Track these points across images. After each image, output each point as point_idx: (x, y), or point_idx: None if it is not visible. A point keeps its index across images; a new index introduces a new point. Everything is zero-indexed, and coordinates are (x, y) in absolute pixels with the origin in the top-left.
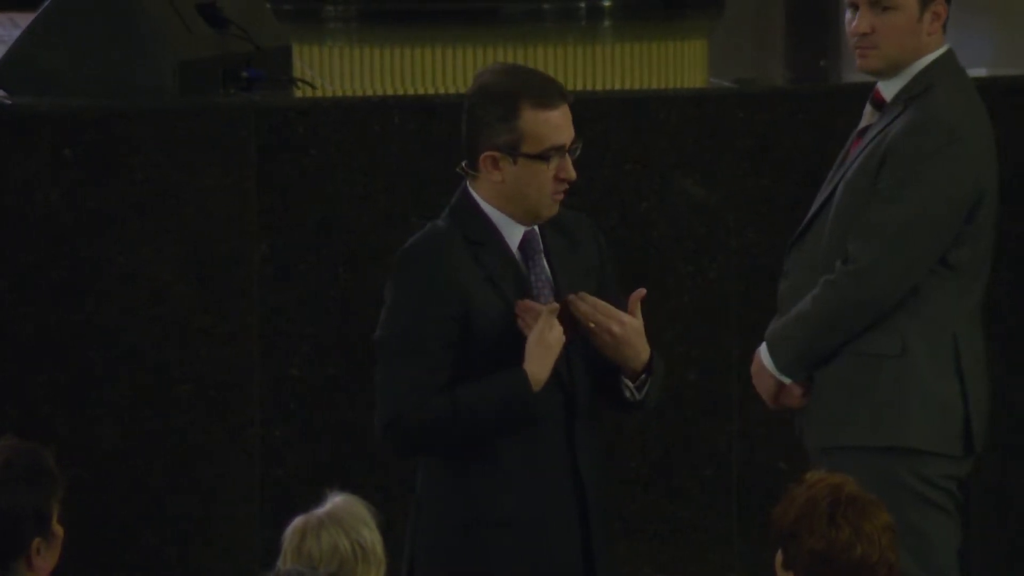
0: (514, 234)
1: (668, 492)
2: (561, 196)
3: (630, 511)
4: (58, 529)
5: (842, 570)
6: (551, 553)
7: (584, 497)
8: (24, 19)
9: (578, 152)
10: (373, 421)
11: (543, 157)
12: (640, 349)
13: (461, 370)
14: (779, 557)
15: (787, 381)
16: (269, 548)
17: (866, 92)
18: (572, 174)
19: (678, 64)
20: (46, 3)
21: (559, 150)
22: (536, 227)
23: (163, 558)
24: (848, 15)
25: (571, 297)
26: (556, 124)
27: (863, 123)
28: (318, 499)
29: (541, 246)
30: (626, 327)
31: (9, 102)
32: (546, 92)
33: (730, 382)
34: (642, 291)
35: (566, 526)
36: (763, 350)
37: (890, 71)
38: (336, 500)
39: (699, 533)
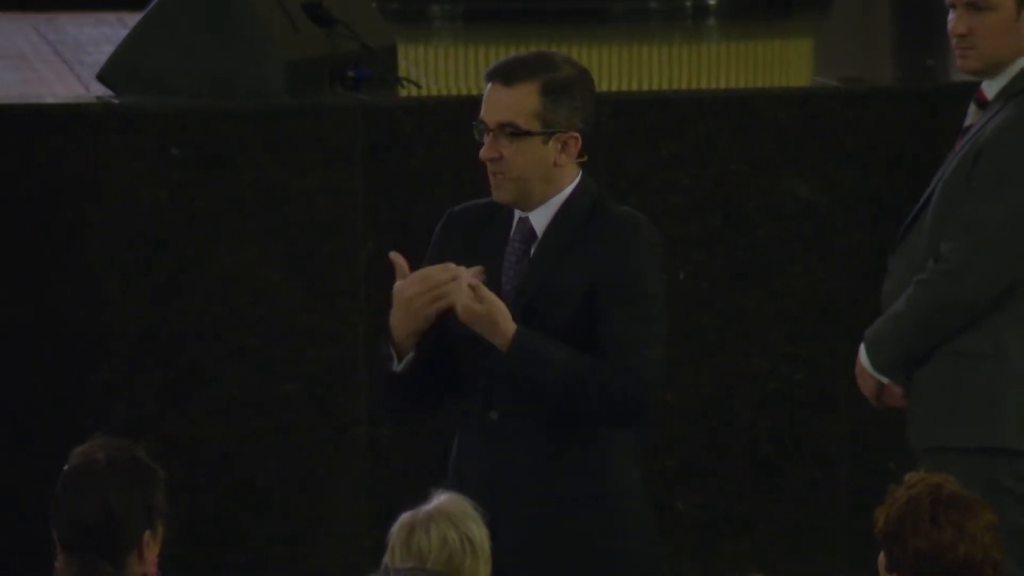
0: (520, 217)
1: (775, 492)
2: (492, 178)
3: (737, 511)
4: (160, 521)
5: (947, 570)
6: None
7: (493, 499)
8: (132, 19)
9: (481, 132)
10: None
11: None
12: (488, 332)
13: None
14: (882, 559)
15: (886, 381)
16: (376, 545)
17: (973, 91)
18: (483, 154)
19: (784, 63)
20: (154, 3)
21: (480, 124)
22: (535, 216)
23: (271, 556)
24: (950, 15)
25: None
26: (485, 100)
27: (967, 122)
28: (425, 497)
29: (534, 236)
30: (467, 311)
31: (117, 101)
32: (489, 70)
33: (837, 382)
34: (478, 269)
35: None
36: (862, 350)
37: (990, 71)
38: (442, 497)
39: (807, 534)
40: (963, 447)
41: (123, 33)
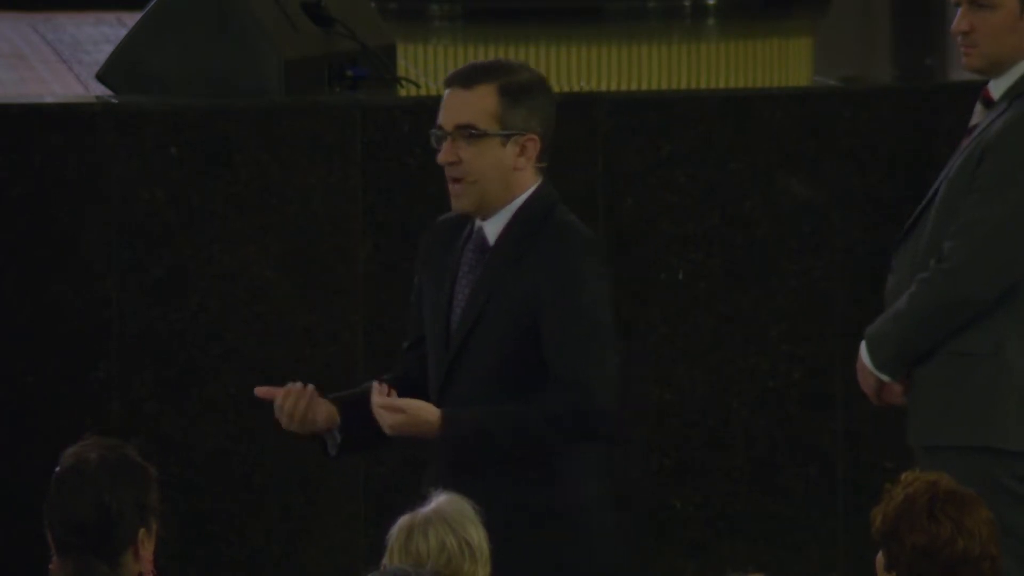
0: (477, 226)
1: (773, 491)
2: (451, 186)
3: (734, 509)
4: (154, 520)
5: (945, 565)
6: None
7: None
8: (131, 19)
9: (439, 139)
10: None
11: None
12: (421, 433)
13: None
14: (880, 559)
15: (886, 379)
16: (373, 546)
17: (972, 90)
18: (440, 158)
19: (783, 62)
20: (152, 3)
21: (438, 130)
22: (489, 224)
23: (268, 556)
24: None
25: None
26: (443, 106)
27: (973, 121)
28: (422, 498)
29: (487, 244)
30: (393, 428)
31: (115, 101)
32: (447, 77)
33: (835, 381)
34: (384, 390)
35: None
36: (863, 347)
37: (993, 69)
38: (441, 499)
39: (804, 532)
40: (962, 446)
41: (122, 33)
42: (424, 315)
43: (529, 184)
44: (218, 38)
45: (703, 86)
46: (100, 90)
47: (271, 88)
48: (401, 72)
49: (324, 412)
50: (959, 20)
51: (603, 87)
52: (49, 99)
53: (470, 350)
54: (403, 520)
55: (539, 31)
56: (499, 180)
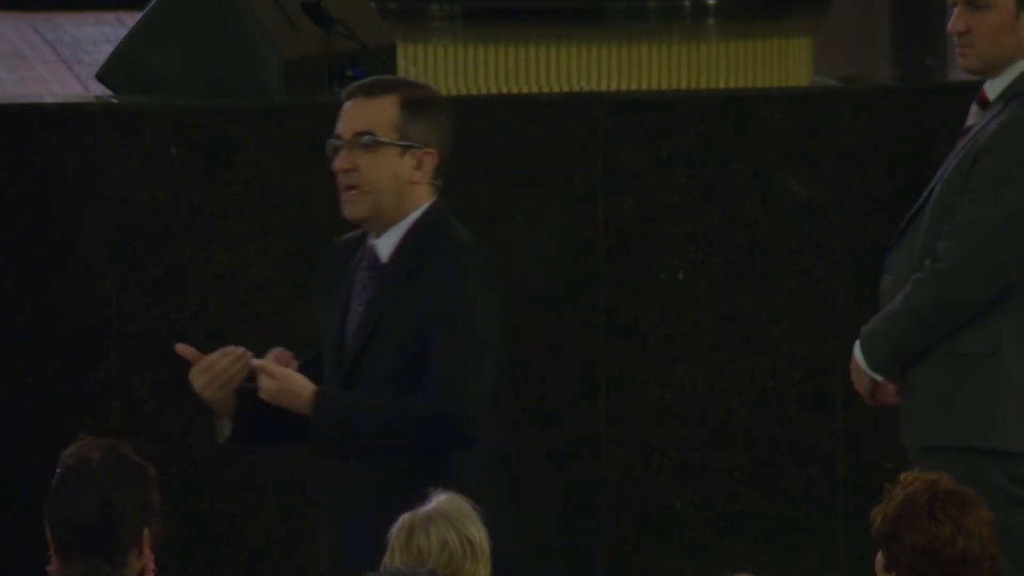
0: (370, 243)
1: (773, 491)
2: (344, 194)
3: (734, 509)
4: (155, 519)
5: (945, 565)
6: None
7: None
8: (131, 18)
9: (335, 149)
10: None
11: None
12: (292, 405)
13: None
14: (880, 559)
15: (880, 379)
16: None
17: (972, 90)
18: (336, 165)
19: (783, 62)
20: (152, 2)
21: (336, 140)
22: (382, 241)
23: (268, 556)
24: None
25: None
26: (342, 115)
27: (968, 122)
28: (423, 498)
29: (380, 262)
30: (266, 392)
31: (115, 101)
32: (348, 87)
33: (835, 381)
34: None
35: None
36: (857, 347)
37: (990, 70)
38: (441, 498)
39: (804, 532)
40: (957, 447)
41: (122, 33)
42: (320, 334)
43: (424, 200)
44: (218, 38)
45: (703, 86)
46: (100, 90)
47: (271, 88)
48: (401, 72)
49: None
50: (955, 20)
51: (603, 87)
52: (49, 99)
53: (363, 368)
54: (404, 519)
55: (539, 31)
56: (394, 191)
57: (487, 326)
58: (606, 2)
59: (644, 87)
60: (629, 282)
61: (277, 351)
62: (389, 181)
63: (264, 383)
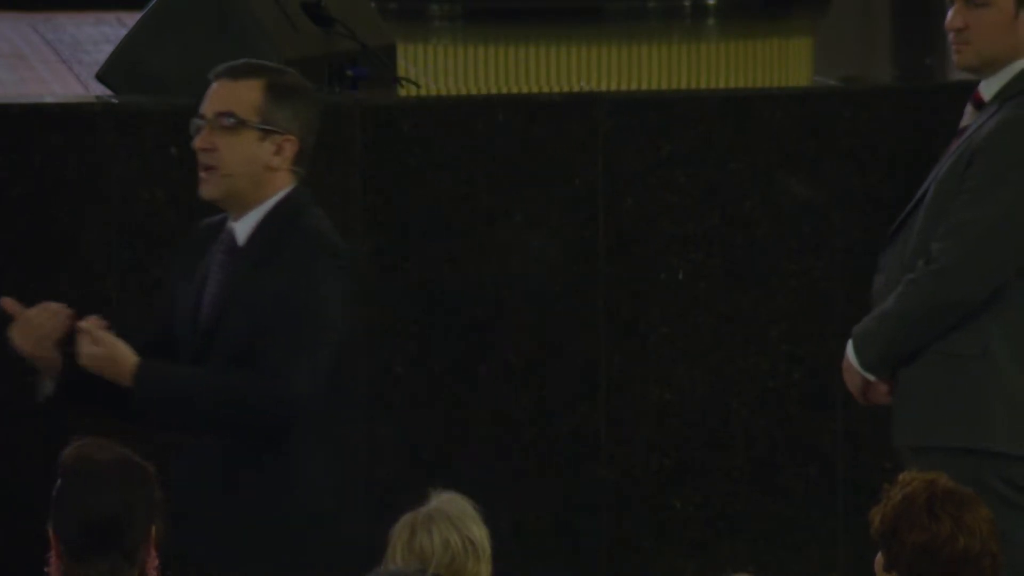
0: (229, 227)
1: (772, 491)
2: (202, 174)
3: (734, 509)
4: (159, 517)
5: (945, 563)
6: None
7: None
8: (131, 18)
9: (198, 128)
10: (454, 416)
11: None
12: (114, 373)
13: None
14: (879, 560)
15: (872, 378)
16: (373, 545)
17: (971, 90)
18: (197, 143)
19: (783, 62)
20: (152, 2)
21: (199, 119)
22: (240, 225)
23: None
24: (949, 13)
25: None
26: (208, 95)
27: (963, 123)
28: (422, 497)
29: (236, 245)
30: (88, 357)
31: (115, 101)
32: (216, 69)
33: (834, 381)
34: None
35: None
36: (850, 346)
37: (986, 68)
38: (442, 497)
39: (803, 532)
40: (950, 447)
41: (122, 33)
42: (176, 316)
43: (283, 186)
44: (218, 38)
45: (703, 86)
46: (100, 90)
47: None
48: (401, 72)
49: (53, 349)
50: (953, 16)
51: (603, 87)
52: (49, 99)
53: (214, 348)
54: (405, 518)
55: (539, 32)
56: (251, 176)
57: (330, 313)
58: (606, 2)
59: (644, 87)
60: (629, 282)
61: (92, 319)
62: (247, 165)
63: (86, 348)
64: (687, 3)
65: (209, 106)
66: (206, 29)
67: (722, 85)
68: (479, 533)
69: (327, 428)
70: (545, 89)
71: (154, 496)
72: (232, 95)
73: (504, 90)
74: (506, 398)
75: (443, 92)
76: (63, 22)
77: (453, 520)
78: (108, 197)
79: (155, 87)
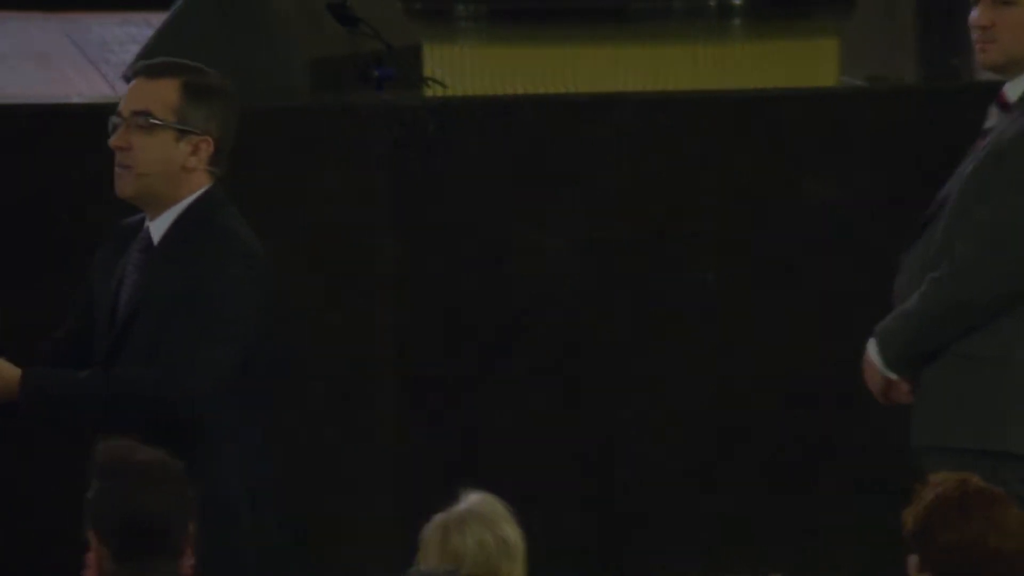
0: (146, 225)
1: (801, 493)
2: (118, 171)
3: (746, 510)
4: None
5: (978, 562)
6: None
7: None
8: (159, 19)
9: (115, 127)
10: (482, 417)
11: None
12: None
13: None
14: (913, 561)
15: (894, 377)
16: (405, 547)
17: (997, 90)
18: (112, 141)
19: (809, 62)
20: (177, 3)
21: (117, 117)
22: (155, 224)
23: (298, 555)
24: (973, 13)
25: None
26: (126, 94)
27: (987, 124)
28: (453, 498)
29: (150, 243)
30: None
31: None
32: (135, 67)
33: (861, 382)
34: None
35: None
36: (871, 345)
37: (1010, 67)
38: (474, 498)
39: (821, 533)
40: (968, 449)
41: (148, 33)
42: (95, 314)
43: (199, 186)
44: (243, 38)
45: (729, 86)
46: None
47: (297, 88)
48: (427, 72)
49: None
50: (980, 14)
51: (628, 87)
52: (76, 99)
53: (126, 347)
54: (438, 519)
55: (565, 32)
56: (166, 175)
57: (234, 309)
58: (631, 2)
59: (670, 88)
60: (656, 283)
61: None
62: (162, 164)
63: None
64: (712, 3)
65: (126, 104)
66: (231, 30)
67: (748, 85)
68: (512, 533)
69: (236, 424)
70: (572, 89)
71: (190, 495)
72: (149, 94)
73: (530, 91)
74: (534, 399)
75: (469, 93)
76: (90, 22)
77: (486, 520)
78: None
79: None
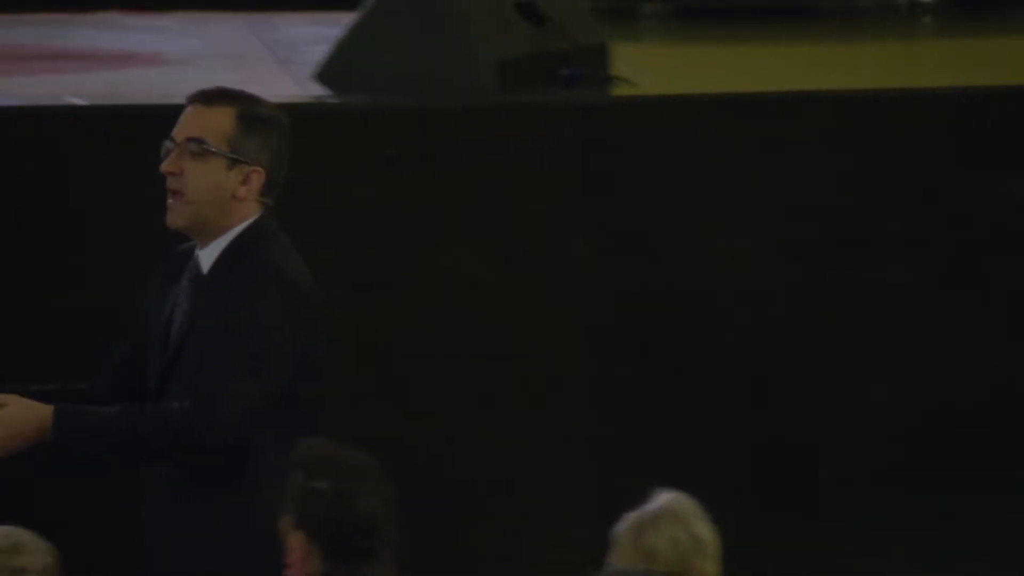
0: (196, 254)
1: (1008, 490)
2: (170, 199)
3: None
4: None
5: None
6: None
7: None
8: (348, 19)
9: (168, 151)
10: (673, 415)
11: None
12: (23, 434)
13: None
14: None
15: None
16: (597, 545)
17: None
18: (164, 166)
19: (1002, 60)
20: (368, 3)
21: (170, 142)
22: (205, 253)
23: (491, 556)
24: None
25: None
26: (180, 119)
27: None
28: (646, 497)
29: (199, 272)
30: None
31: (333, 102)
32: (191, 94)
33: None
34: None
35: None
36: None
37: None
38: (668, 496)
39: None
40: None
41: (337, 33)
42: (149, 342)
43: (249, 216)
44: (433, 38)
45: (920, 85)
46: (317, 91)
47: (486, 88)
48: (616, 71)
49: None
50: None
51: (817, 86)
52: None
53: (175, 378)
54: (631, 517)
55: (753, 30)
56: (216, 204)
57: (272, 341)
58: (820, 0)
59: (859, 86)
60: (846, 284)
61: None
62: (212, 192)
63: None
64: (903, 1)
65: (180, 130)
66: (421, 29)
67: (940, 84)
68: (705, 531)
69: (282, 454)
70: (760, 88)
71: (394, 494)
72: (203, 121)
73: (718, 90)
74: (722, 398)
75: (656, 92)
76: (279, 22)
77: (680, 518)
78: (325, 197)
79: (370, 88)
